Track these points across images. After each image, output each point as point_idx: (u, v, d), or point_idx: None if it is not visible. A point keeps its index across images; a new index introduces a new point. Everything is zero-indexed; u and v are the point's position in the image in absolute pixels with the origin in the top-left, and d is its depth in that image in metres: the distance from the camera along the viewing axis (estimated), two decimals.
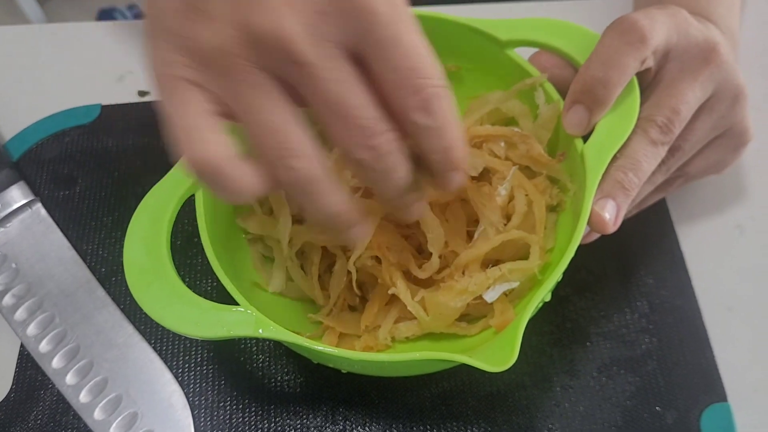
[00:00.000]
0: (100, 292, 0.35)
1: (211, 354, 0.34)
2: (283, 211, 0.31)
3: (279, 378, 0.33)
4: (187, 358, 0.34)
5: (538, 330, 0.34)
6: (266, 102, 0.20)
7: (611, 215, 0.28)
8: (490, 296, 0.29)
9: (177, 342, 0.34)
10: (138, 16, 1.33)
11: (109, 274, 0.36)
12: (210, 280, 0.36)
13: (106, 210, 0.39)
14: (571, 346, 0.34)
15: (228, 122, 0.21)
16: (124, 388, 0.32)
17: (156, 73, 0.21)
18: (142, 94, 0.44)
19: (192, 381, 0.33)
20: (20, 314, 0.35)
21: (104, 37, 0.47)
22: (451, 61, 0.34)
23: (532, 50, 0.32)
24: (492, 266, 0.29)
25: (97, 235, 0.38)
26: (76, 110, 0.43)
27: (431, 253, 0.32)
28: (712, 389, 0.32)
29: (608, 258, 0.36)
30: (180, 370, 0.33)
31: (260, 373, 0.33)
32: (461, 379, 0.33)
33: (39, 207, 0.38)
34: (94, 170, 0.40)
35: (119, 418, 0.32)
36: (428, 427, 0.32)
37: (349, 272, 0.31)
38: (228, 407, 0.32)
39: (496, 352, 0.24)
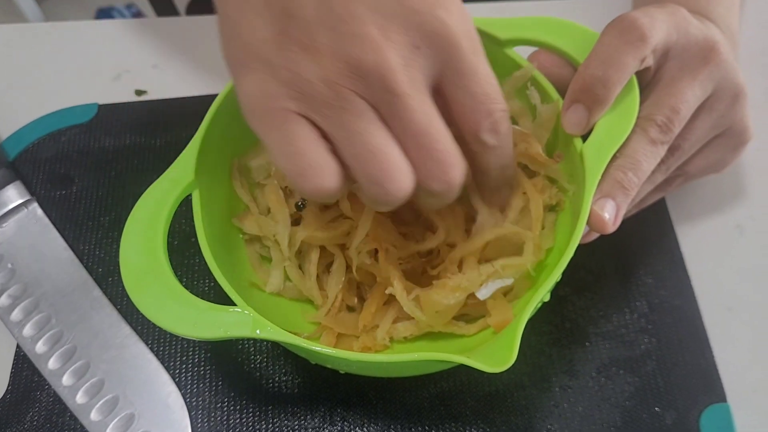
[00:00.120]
0: (97, 293, 0.35)
1: (209, 355, 0.34)
2: (282, 212, 0.30)
3: (277, 378, 0.33)
4: (184, 358, 0.34)
5: (537, 330, 0.34)
6: (368, 126, 0.21)
7: (611, 215, 0.28)
8: (482, 293, 0.28)
9: (174, 342, 0.34)
10: (136, 14, 1.33)
11: (106, 274, 0.36)
12: (207, 281, 0.36)
13: (102, 210, 0.38)
14: (570, 346, 0.34)
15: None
16: (121, 389, 0.32)
17: (257, 106, 0.22)
18: (139, 93, 0.43)
19: (189, 382, 0.33)
20: (16, 315, 0.34)
21: (101, 36, 0.46)
22: None
23: (531, 49, 0.32)
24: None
25: (93, 235, 0.38)
26: (72, 109, 0.42)
27: (429, 251, 0.31)
28: (711, 390, 0.32)
29: (607, 258, 0.36)
30: (177, 371, 0.33)
31: (258, 374, 0.33)
32: (460, 379, 0.33)
33: (35, 207, 0.38)
34: (90, 170, 0.40)
35: (116, 420, 0.31)
36: (427, 427, 0.32)
37: (348, 271, 0.31)
38: (225, 408, 0.32)
39: (495, 353, 0.24)
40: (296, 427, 0.32)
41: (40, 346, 0.33)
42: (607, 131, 0.29)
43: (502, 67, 0.32)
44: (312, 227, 0.31)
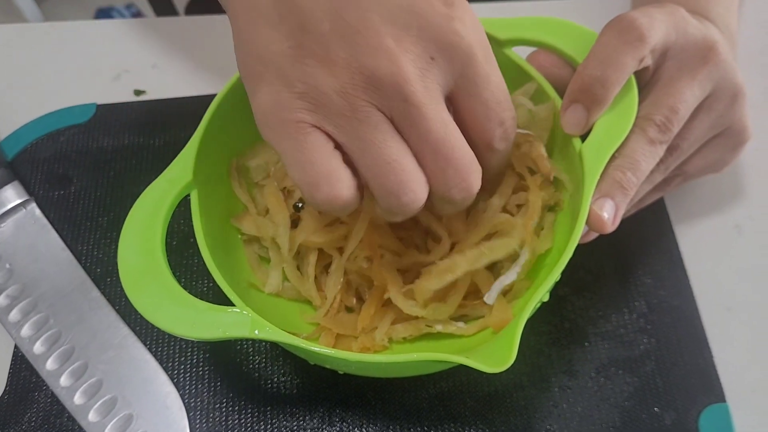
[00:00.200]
0: (95, 293, 0.35)
1: (207, 355, 0.34)
2: (282, 213, 0.30)
3: (275, 379, 0.33)
4: (182, 359, 0.33)
5: (536, 330, 0.34)
6: (384, 138, 0.22)
7: (610, 215, 0.28)
8: (489, 298, 0.29)
9: (173, 343, 0.34)
10: (136, 14, 1.33)
11: (105, 274, 0.36)
12: (206, 281, 0.36)
13: (101, 210, 0.38)
14: (569, 346, 0.34)
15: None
16: (119, 390, 0.32)
17: (272, 117, 0.22)
18: (137, 93, 0.43)
19: (188, 382, 0.33)
20: (14, 315, 0.34)
21: (100, 36, 0.46)
22: None
23: (531, 49, 0.32)
24: (489, 269, 0.29)
25: (92, 236, 0.37)
26: (71, 109, 0.42)
27: (429, 252, 0.31)
28: (710, 390, 0.32)
29: (606, 257, 0.36)
30: (176, 372, 0.33)
31: (256, 375, 0.33)
32: (459, 379, 0.32)
33: (33, 207, 0.38)
34: (89, 170, 0.40)
35: (114, 420, 0.31)
36: (426, 428, 0.31)
37: (346, 272, 0.31)
38: (224, 409, 0.32)
39: (494, 353, 0.24)
40: (295, 427, 0.32)
41: (38, 347, 0.33)
42: (606, 131, 0.28)
43: (502, 67, 0.32)
44: (310, 230, 0.31)
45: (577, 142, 0.29)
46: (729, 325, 0.34)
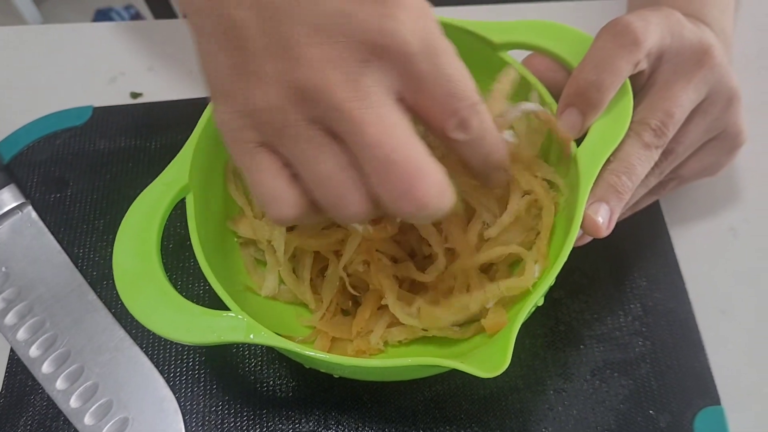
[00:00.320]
0: (91, 296, 0.35)
1: (203, 358, 0.34)
2: None
3: (271, 382, 0.33)
4: (178, 362, 0.33)
5: (532, 333, 0.34)
6: (319, 152, 0.21)
7: (604, 219, 0.28)
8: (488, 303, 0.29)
9: (169, 346, 0.34)
10: (134, 16, 1.33)
11: (101, 278, 0.36)
12: (202, 284, 0.36)
13: (97, 213, 0.38)
14: (564, 349, 0.34)
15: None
16: (115, 393, 0.32)
17: (226, 138, 0.22)
18: (134, 95, 0.43)
19: (184, 386, 0.33)
20: (10, 319, 0.34)
21: (97, 38, 0.46)
22: None
23: (527, 53, 0.32)
24: (485, 270, 0.29)
25: (88, 239, 0.37)
26: (67, 112, 0.42)
27: (424, 257, 0.31)
28: (705, 392, 0.32)
29: (602, 260, 0.36)
30: (171, 375, 0.33)
31: (252, 378, 0.33)
32: (455, 382, 0.33)
33: (30, 210, 0.38)
34: (85, 173, 0.40)
35: (110, 424, 0.31)
36: (421, 431, 0.32)
37: (341, 276, 0.31)
38: (220, 412, 0.32)
39: (489, 358, 0.24)
40: (291, 430, 0.32)
41: (34, 350, 0.33)
42: (601, 135, 0.29)
43: (497, 70, 0.32)
44: (306, 234, 0.31)
45: (572, 146, 0.29)
46: (724, 328, 0.35)
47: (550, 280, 0.26)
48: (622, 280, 0.36)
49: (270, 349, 0.34)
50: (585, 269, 0.36)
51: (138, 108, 0.42)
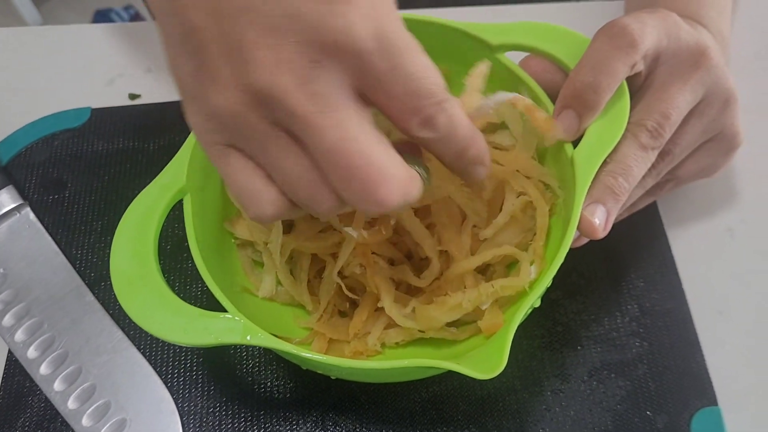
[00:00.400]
0: (89, 298, 0.35)
1: (201, 360, 0.34)
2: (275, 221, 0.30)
3: (269, 384, 0.33)
4: (176, 363, 0.34)
5: (529, 334, 0.34)
6: (280, 153, 0.21)
7: (601, 220, 0.28)
8: (484, 304, 0.29)
9: (167, 348, 0.34)
10: (134, 17, 1.33)
11: (99, 279, 0.36)
12: (200, 285, 0.36)
13: (95, 214, 0.38)
14: (561, 349, 0.34)
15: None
16: (113, 395, 0.32)
17: (200, 140, 0.22)
18: (132, 97, 0.43)
19: (181, 387, 0.33)
20: (8, 320, 0.34)
21: (95, 39, 0.46)
22: (442, 64, 0.34)
23: (524, 54, 0.32)
24: (481, 272, 0.29)
25: (86, 240, 0.38)
26: (66, 113, 0.42)
27: (421, 259, 0.31)
28: (702, 393, 0.32)
29: (599, 261, 0.36)
30: (169, 376, 0.33)
31: (250, 379, 0.33)
32: (452, 383, 0.33)
33: (28, 211, 0.38)
34: (83, 174, 0.40)
35: (107, 425, 0.31)
36: (419, 431, 0.32)
37: (339, 277, 0.31)
38: (217, 413, 0.32)
39: (485, 360, 0.24)
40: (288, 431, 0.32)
41: (32, 352, 0.33)
42: (598, 137, 0.29)
43: (494, 72, 0.32)
44: (303, 236, 0.31)
45: (569, 147, 0.29)
46: (721, 329, 0.35)
47: (547, 281, 0.26)
48: (620, 281, 0.36)
49: (267, 351, 0.34)
50: (582, 270, 0.36)
51: (136, 109, 0.42)
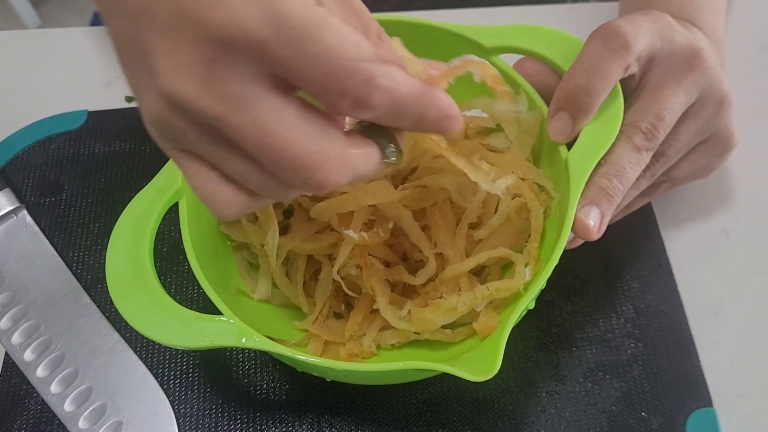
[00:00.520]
0: (86, 300, 0.35)
1: (197, 362, 0.34)
2: (271, 223, 0.31)
3: (265, 386, 0.33)
4: (172, 365, 0.34)
5: (524, 335, 0.34)
6: (223, 154, 0.20)
7: (595, 222, 0.28)
8: (478, 306, 0.29)
9: (163, 350, 0.34)
10: None
11: (95, 281, 0.36)
12: (196, 287, 0.36)
13: (92, 217, 0.39)
14: (556, 351, 0.34)
15: None
16: (109, 397, 0.32)
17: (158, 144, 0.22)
18: (129, 99, 0.44)
19: (178, 389, 0.33)
20: (5, 322, 0.34)
21: (92, 42, 0.46)
22: None
23: (518, 56, 0.32)
24: (476, 273, 0.29)
25: (83, 242, 0.38)
26: (62, 116, 0.42)
27: (416, 261, 0.32)
28: (697, 394, 0.33)
29: (594, 262, 0.36)
30: (166, 378, 0.33)
31: (246, 381, 0.33)
32: (447, 385, 0.33)
33: (24, 214, 0.38)
34: (80, 177, 0.40)
35: (104, 428, 0.31)
36: None
37: (335, 279, 0.31)
38: (213, 415, 0.32)
39: (479, 362, 0.24)
40: None
41: (29, 354, 0.34)
42: (592, 139, 0.29)
43: None
44: (299, 238, 0.31)
45: (563, 149, 0.29)
46: (716, 330, 0.35)
47: (541, 283, 0.26)
48: (615, 282, 0.36)
49: (263, 353, 0.34)
50: (577, 271, 0.36)
51: (133, 112, 0.43)
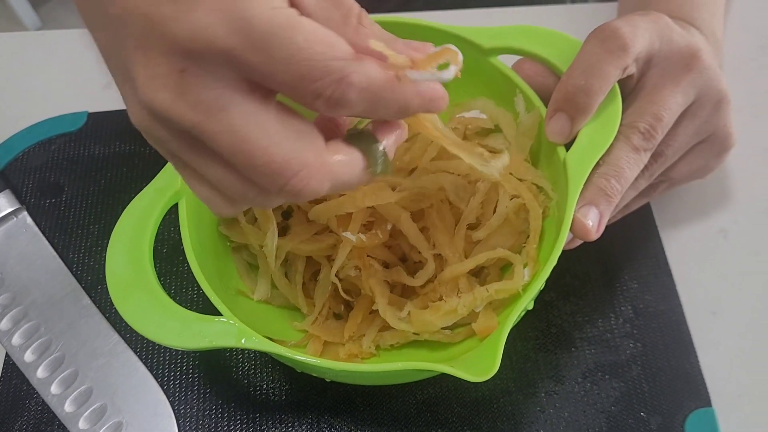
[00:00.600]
0: (86, 301, 0.35)
1: (197, 362, 0.34)
2: (270, 225, 0.31)
3: (264, 386, 0.33)
4: (172, 366, 0.34)
5: (523, 335, 0.34)
6: (203, 162, 0.20)
7: (594, 222, 0.28)
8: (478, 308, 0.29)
9: (163, 351, 0.34)
10: None
11: (95, 282, 0.36)
12: (196, 288, 0.36)
13: (92, 218, 0.39)
14: (556, 351, 0.34)
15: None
16: (109, 398, 0.32)
17: None
18: None
19: (177, 390, 0.33)
20: (5, 324, 0.35)
21: (91, 43, 0.46)
22: None
23: (516, 57, 0.32)
24: (475, 274, 0.29)
25: (83, 244, 0.38)
26: (62, 118, 0.43)
27: (415, 262, 0.32)
28: (696, 394, 0.33)
29: (593, 263, 0.36)
30: (166, 379, 0.33)
31: (246, 381, 0.33)
32: (446, 385, 0.33)
33: (25, 215, 0.38)
34: (80, 178, 0.40)
35: (104, 428, 0.32)
36: None
37: (333, 281, 0.31)
38: (213, 416, 0.32)
39: (478, 362, 0.24)
40: None
41: (29, 355, 0.34)
42: (590, 139, 0.29)
43: (487, 76, 0.32)
44: (298, 239, 0.31)
45: (561, 150, 0.29)
46: (715, 330, 0.35)
47: (540, 283, 0.26)
48: (613, 283, 0.36)
49: (263, 353, 0.34)
50: (576, 272, 0.36)
51: None
